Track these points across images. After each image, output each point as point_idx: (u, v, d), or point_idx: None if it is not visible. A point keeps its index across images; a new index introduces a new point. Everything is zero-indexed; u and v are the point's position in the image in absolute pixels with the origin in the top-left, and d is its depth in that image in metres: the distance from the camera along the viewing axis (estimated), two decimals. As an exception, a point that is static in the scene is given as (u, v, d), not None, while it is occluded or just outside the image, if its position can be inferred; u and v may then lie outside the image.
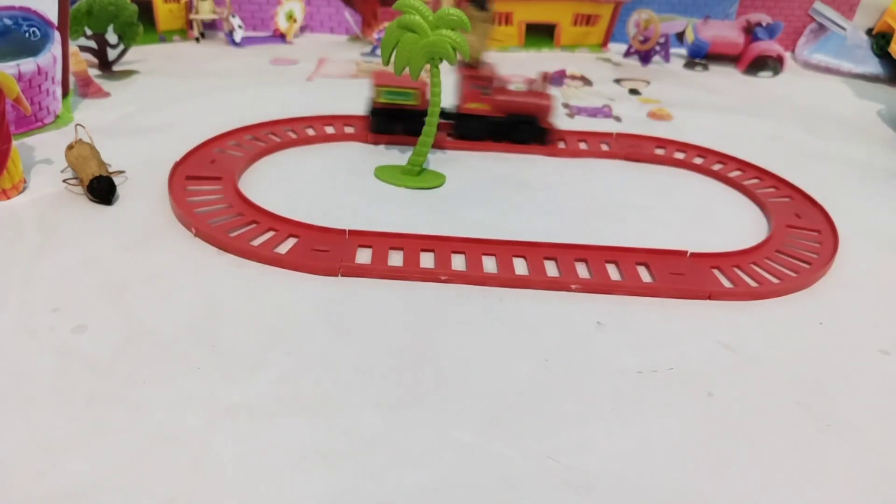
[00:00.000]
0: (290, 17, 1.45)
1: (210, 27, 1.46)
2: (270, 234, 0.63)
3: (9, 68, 0.75)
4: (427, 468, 0.40)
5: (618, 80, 1.30)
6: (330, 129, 0.91)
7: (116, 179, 0.71)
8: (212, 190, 0.71)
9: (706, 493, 0.40)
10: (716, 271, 0.63)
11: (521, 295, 0.58)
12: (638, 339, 0.54)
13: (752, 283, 0.62)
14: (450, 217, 0.71)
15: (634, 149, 0.92)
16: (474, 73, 0.87)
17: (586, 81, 1.26)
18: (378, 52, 1.37)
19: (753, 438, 0.45)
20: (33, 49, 0.82)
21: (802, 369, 0.52)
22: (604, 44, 1.52)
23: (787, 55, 1.48)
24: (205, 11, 1.39)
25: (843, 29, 1.54)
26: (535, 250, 0.64)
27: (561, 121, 1.03)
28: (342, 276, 0.59)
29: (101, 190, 0.67)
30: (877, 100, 1.32)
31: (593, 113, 1.08)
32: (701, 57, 1.48)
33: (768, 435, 0.45)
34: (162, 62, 1.22)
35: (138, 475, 0.39)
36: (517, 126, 0.89)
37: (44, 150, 0.78)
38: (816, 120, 1.15)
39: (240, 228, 0.64)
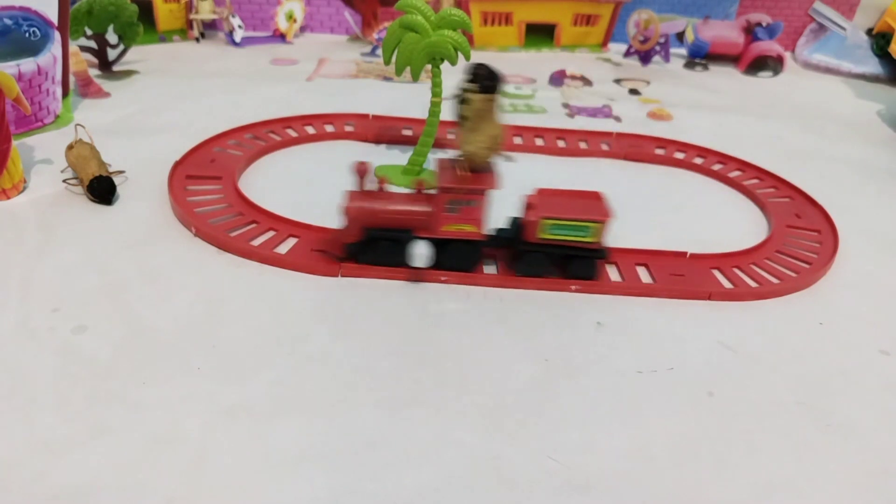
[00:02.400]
0: (290, 17, 1.45)
1: (210, 27, 1.46)
2: (270, 233, 0.63)
3: (9, 68, 0.75)
4: (427, 468, 0.40)
5: (618, 80, 1.30)
6: (330, 128, 0.91)
7: (116, 179, 0.71)
8: (212, 189, 0.71)
9: (706, 492, 0.40)
10: (716, 272, 0.63)
11: (521, 295, 0.58)
12: (638, 339, 0.54)
13: (753, 284, 0.62)
14: (450, 217, 0.71)
15: (634, 149, 0.92)
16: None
17: (586, 81, 1.26)
18: (378, 52, 1.37)
19: (753, 438, 0.45)
20: (33, 49, 0.82)
21: (802, 369, 0.52)
22: (604, 44, 1.52)
23: (787, 55, 1.47)
24: (205, 11, 1.38)
25: (843, 29, 1.53)
26: (535, 250, 0.64)
27: (561, 121, 1.03)
28: (342, 276, 0.59)
29: (101, 190, 0.67)
30: (877, 100, 1.32)
31: (593, 113, 1.08)
32: (701, 57, 1.47)
33: (768, 435, 0.45)
34: (162, 62, 1.22)
35: (138, 475, 0.39)
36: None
37: (44, 150, 0.78)
38: (816, 120, 1.15)
39: (240, 228, 0.64)
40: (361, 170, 0.57)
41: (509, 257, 0.61)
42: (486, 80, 0.54)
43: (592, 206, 0.59)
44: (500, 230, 0.61)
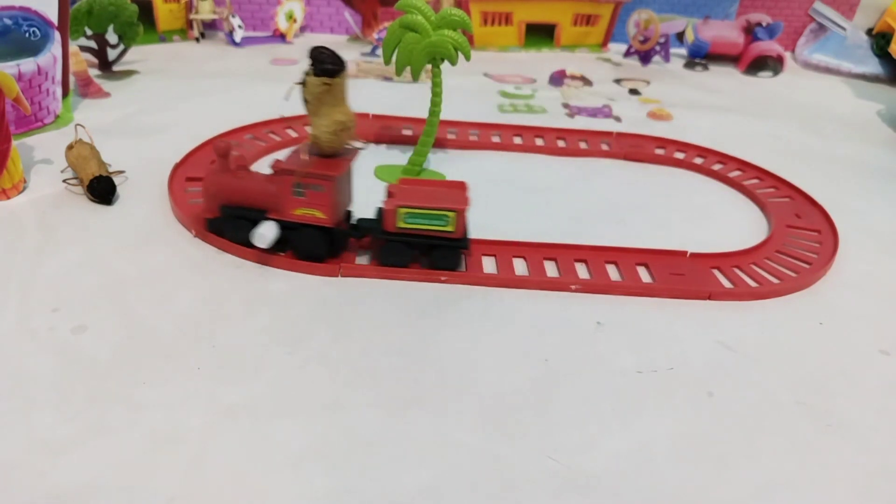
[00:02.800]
0: (290, 17, 1.45)
1: (210, 27, 1.46)
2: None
3: (9, 68, 0.75)
4: (427, 468, 0.40)
5: (618, 80, 1.30)
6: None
7: (116, 179, 0.71)
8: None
9: (706, 492, 0.40)
10: (716, 271, 0.63)
11: (521, 295, 0.58)
12: (638, 339, 0.54)
13: (752, 283, 0.62)
14: (450, 217, 0.71)
15: (634, 149, 0.92)
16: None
17: (586, 81, 1.26)
18: (378, 52, 1.37)
19: (753, 438, 0.45)
20: (33, 49, 0.82)
21: (802, 369, 0.52)
22: (604, 44, 1.52)
23: (787, 55, 1.48)
24: (205, 11, 1.39)
25: (843, 29, 1.54)
26: (535, 250, 0.64)
27: (561, 121, 1.03)
28: (342, 276, 0.59)
29: (101, 190, 0.67)
30: (877, 100, 1.32)
31: (593, 113, 1.08)
32: (701, 57, 1.48)
33: (768, 435, 0.45)
34: (162, 62, 1.22)
35: (138, 475, 0.39)
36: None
37: (44, 150, 0.78)
38: (816, 120, 1.15)
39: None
40: (222, 147, 0.57)
41: (374, 247, 0.61)
42: (322, 64, 0.54)
43: (451, 195, 0.59)
44: (362, 220, 0.61)
